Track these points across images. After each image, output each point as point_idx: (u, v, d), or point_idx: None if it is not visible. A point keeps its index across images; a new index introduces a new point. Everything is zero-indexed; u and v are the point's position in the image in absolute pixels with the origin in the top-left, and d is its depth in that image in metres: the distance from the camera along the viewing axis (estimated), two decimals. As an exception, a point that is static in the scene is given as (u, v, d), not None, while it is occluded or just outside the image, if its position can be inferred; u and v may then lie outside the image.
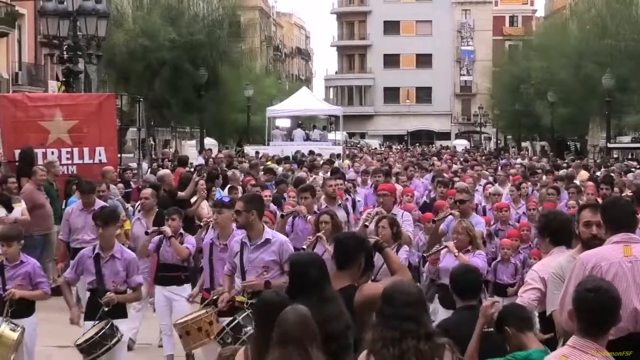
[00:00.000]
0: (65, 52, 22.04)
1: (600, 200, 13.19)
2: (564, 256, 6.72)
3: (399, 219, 10.86)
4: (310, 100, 46.64)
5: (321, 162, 24.25)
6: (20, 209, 14.61)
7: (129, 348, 11.19)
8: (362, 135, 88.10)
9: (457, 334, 5.61)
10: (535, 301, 6.70)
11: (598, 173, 23.01)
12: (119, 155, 20.61)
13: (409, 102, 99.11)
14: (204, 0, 45.78)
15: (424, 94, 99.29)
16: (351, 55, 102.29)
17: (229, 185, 17.09)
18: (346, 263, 6.17)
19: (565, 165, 28.23)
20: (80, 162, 17.53)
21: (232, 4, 46.01)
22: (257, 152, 35.25)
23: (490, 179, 20.24)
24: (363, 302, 6.03)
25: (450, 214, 11.83)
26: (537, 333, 6.46)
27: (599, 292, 4.85)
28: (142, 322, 12.16)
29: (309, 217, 11.86)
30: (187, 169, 21.16)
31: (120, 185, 18.01)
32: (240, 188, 16.44)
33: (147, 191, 13.05)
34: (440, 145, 70.35)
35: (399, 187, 15.53)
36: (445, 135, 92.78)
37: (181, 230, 11.01)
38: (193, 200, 15.21)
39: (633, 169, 24.86)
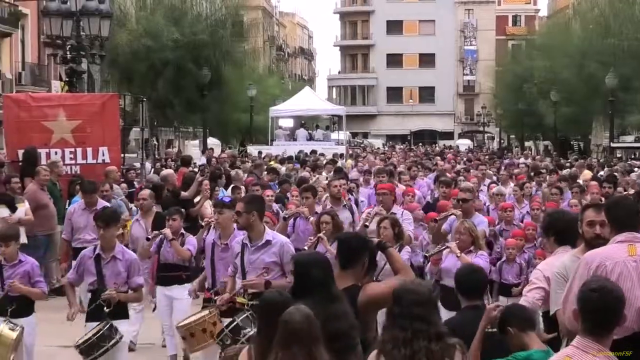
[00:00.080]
0: (68, 52, 22.09)
1: (602, 199, 13.20)
2: (567, 255, 6.71)
3: (399, 218, 10.86)
4: (313, 100, 46.67)
5: (324, 162, 24.25)
6: (23, 209, 14.63)
7: (130, 350, 11.20)
8: (365, 135, 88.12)
9: (461, 334, 5.61)
10: (539, 300, 6.69)
11: (601, 172, 22.98)
12: (122, 155, 20.63)
13: (412, 102, 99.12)
14: (207, 0, 45.79)
15: (427, 94, 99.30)
16: (354, 55, 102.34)
17: (232, 185, 17.11)
18: (350, 263, 6.17)
19: (568, 164, 28.21)
20: (84, 162, 17.55)
21: (235, 4, 46.02)
22: (260, 152, 35.26)
23: (495, 178, 20.23)
24: (367, 302, 6.02)
25: (452, 213, 11.82)
26: (540, 333, 6.46)
27: (603, 292, 4.84)
28: (145, 323, 12.15)
29: (312, 218, 11.86)
30: (191, 168, 21.17)
31: (124, 185, 18.02)
32: (243, 188, 16.45)
33: (145, 192, 13.08)
34: (444, 144, 70.34)
35: (401, 187, 15.54)
36: (449, 135, 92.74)
37: (182, 231, 10.99)
38: (196, 200, 15.22)
39: (636, 169, 24.84)
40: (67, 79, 23.48)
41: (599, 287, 4.89)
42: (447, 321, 6.96)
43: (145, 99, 31.06)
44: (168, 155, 34.71)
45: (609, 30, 42.57)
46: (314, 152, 33.02)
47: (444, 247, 10.37)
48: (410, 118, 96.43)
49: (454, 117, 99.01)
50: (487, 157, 38.26)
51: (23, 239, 14.27)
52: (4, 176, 16.08)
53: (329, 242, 10.51)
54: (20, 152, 17.01)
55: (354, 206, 13.43)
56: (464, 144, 74.25)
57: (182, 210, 11.72)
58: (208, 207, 14.70)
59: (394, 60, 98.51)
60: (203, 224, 11.41)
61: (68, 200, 15.78)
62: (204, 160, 29.70)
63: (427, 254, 10.74)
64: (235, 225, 9.41)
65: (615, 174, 19.95)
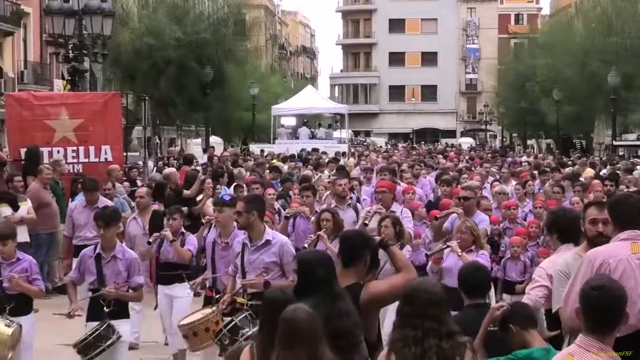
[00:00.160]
0: (70, 51, 22.10)
1: (605, 198, 13.18)
2: (570, 253, 6.71)
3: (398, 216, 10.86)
4: (315, 99, 46.71)
5: (326, 161, 24.25)
6: (26, 208, 14.65)
7: (134, 348, 11.20)
8: (368, 134, 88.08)
9: (464, 332, 5.61)
10: (542, 299, 6.70)
11: (604, 171, 22.97)
12: (124, 153, 20.65)
13: (414, 100, 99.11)
14: (209, -1, 45.85)
15: (429, 92, 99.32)
16: (356, 54, 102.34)
17: (234, 184, 17.10)
18: (352, 261, 6.16)
19: (570, 163, 28.20)
20: (86, 160, 17.55)
21: (237, 3, 45.99)
22: (262, 151, 35.26)
23: (498, 176, 20.21)
24: (369, 300, 6.02)
25: (453, 212, 11.80)
26: (543, 330, 6.46)
27: (602, 290, 4.83)
28: (147, 321, 12.15)
29: (312, 217, 11.87)
30: (193, 167, 21.17)
31: (126, 183, 18.04)
32: (245, 186, 16.45)
33: (142, 190, 13.13)
34: (446, 143, 70.30)
35: (404, 185, 15.52)
36: (451, 133, 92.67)
37: (182, 230, 10.98)
38: (199, 198, 15.23)
39: (638, 167, 24.80)
40: (69, 78, 23.51)
41: (599, 285, 4.89)
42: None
43: (147, 98, 30.98)
44: (170, 153, 34.75)
45: (612, 28, 42.57)
46: (316, 150, 33.02)
47: (445, 246, 10.36)
48: (412, 116, 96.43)
49: (456, 115, 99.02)
50: (489, 155, 38.25)
51: (26, 238, 14.33)
52: (7, 175, 16.10)
53: (329, 239, 10.53)
54: (23, 150, 17.02)
55: (358, 205, 13.43)
56: (466, 142, 74.24)
57: (183, 209, 11.71)
58: (210, 206, 14.71)
59: (396, 58, 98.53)
60: (204, 222, 11.42)
61: (70, 199, 15.77)
62: (205, 158, 29.70)
63: (428, 253, 10.73)
64: (235, 224, 9.41)
65: (618, 172, 19.93)
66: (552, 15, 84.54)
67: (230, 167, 22.16)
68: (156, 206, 13.19)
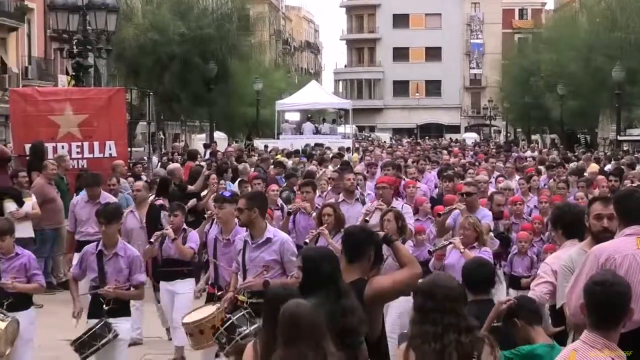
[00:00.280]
0: (75, 47, 22.08)
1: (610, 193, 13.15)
2: (575, 249, 6.69)
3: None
4: (319, 94, 46.65)
5: (330, 156, 24.24)
6: (30, 203, 14.66)
7: (138, 344, 11.20)
8: (372, 129, 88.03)
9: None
10: (547, 295, 6.68)
11: (608, 166, 22.93)
12: (129, 149, 20.68)
13: (419, 96, 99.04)
14: (212, -6, 45.80)
15: (433, 87, 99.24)
16: (360, 49, 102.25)
17: (239, 179, 17.09)
18: (356, 256, 6.15)
19: (574, 158, 28.16)
20: (91, 156, 17.57)
21: (241, -2, 46.03)
22: (266, 146, 35.26)
23: (503, 172, 20.18)
24: (373, 295, 6.01)
25: (456, 207, 11.78)
26: (548, 326, 6.45)
27: (605, 285, 4.80)
28: (149, 317, 12.17)
29: (313, 213, 11.87)
30: (197, 162, 21.18)
31: (131, 179, 18.01)
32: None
33: (139, 184, 13.17)
34: (450, 138, 70.24)
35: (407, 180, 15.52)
36: (455, 129, 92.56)
37: (184, 226, 10.97)
38: (203, 193, 15.22)
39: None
40: (73, 73, 23.49)
41: (602, 280, 4.85)
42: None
43: (151, 93, 31.11)
44: (175, 149, 34.78)
45: (616, 23, 42.50)
46: (320, 145, 33.02)
47: (447, 242, 10.34)
48: (416, 111, 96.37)
49: (461, 110, 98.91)
50: (494, 150, 38.20)
51: (30, 233, 14.35)
52: (12, 170, 16.12)
53: (330, 234, 10.52)
54: (27, 146, 17.03)
55: (367, 199, 13.43)
56: (471, 137, 74.15)
57: (184, 205, 11.70)
58: (213, 202, 14.72)
59: (401, 53, 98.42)
60: (206, 217, 11.43)
61: (75, 194, 15.78)
62: (208, 154, 29.72)
63: (431, 249, 10.72)
64: (236, 220, 9.38)
65: (622, 167, 19.90)
66: (556, 10, 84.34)
67: (235, 162, 22.15)
68: (161, 201, 13.18)
